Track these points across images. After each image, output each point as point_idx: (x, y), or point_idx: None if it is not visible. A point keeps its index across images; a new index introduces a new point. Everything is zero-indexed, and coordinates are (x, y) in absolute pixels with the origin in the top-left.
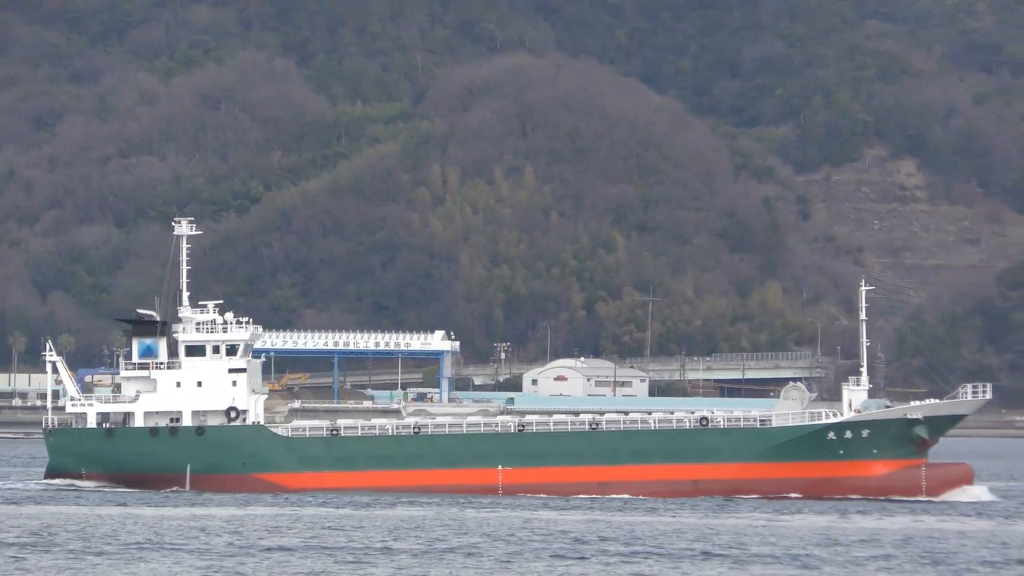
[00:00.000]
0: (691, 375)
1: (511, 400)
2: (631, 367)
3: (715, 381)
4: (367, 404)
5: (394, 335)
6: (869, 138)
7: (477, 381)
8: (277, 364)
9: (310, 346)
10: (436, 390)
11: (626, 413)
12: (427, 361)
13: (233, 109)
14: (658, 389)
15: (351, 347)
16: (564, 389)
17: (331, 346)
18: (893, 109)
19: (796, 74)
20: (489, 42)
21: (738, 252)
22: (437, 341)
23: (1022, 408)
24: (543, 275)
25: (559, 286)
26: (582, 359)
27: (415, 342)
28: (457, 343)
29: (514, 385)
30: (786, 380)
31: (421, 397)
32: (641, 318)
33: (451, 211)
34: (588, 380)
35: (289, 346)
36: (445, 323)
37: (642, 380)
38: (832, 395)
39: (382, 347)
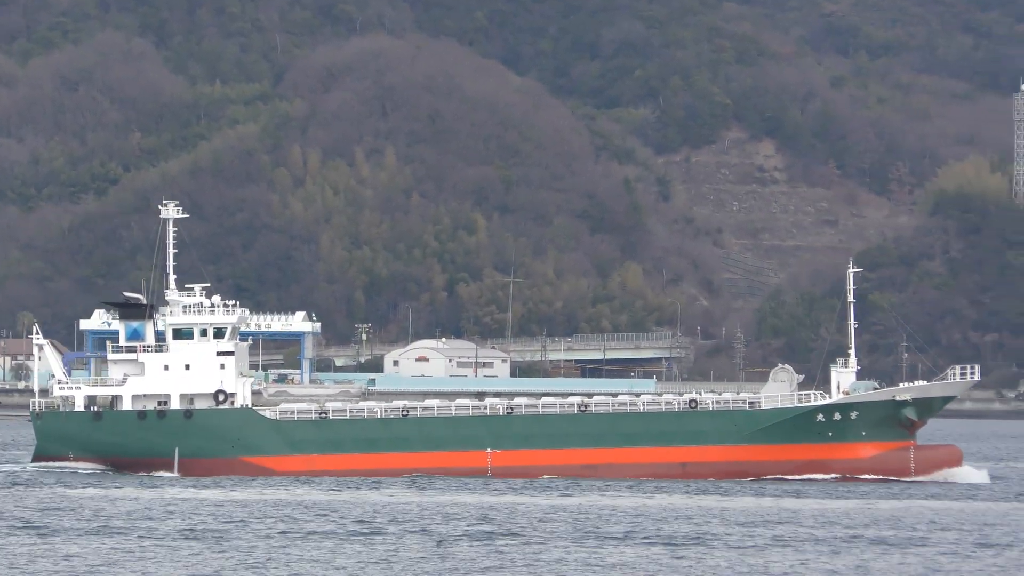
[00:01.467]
0: (552, 356)
1: (372, 381)
2: (492, 348)
3: (576, 362)
4: None
5: (255, 316)
6: (728, 120)
7: (338, 362)
8: None
9: None
10: (297, 371)
11: (492, 394)
12: (288, 343)
13: (92, 91)
14: (519, 370)
15: None
16: (426, 370)
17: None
18: (751, 91)
19: (655, 56)
20: (349, 23)
21: (599, 233)
22: (298, 322)
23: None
24: (404, 257)
25: (420, 267)
26: (443, 340)
27: (276, 323)
28: (318, 324)
29: (375, 366)
30: (646, 360)
31: (282, 379)
32: (502, 299)
33: (311, 192)
34: (450, 361)
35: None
36: (306, 304)
37: (503, 361)
38: (692, 375)
39: (243, 329)
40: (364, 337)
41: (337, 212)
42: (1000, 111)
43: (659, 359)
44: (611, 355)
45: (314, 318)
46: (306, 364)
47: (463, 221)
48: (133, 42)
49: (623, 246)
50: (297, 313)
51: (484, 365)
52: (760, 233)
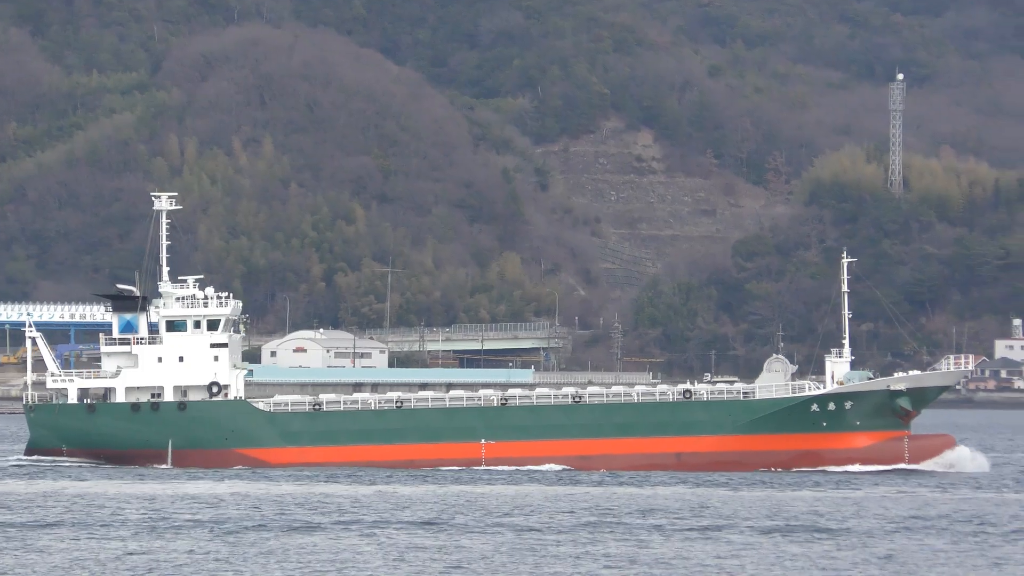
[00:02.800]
0: (431, 346)
1: (250, 372)
2: (371, 338)
3: (454, 352)
4: None
5: None
6: (606, 110)
7: None
8: (13, 336)
9: (46, 318)
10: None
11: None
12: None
13: None
14: (397, 360)
15: (88, 319)
16: (303, 360)
17: (67, 318)
18: (629, 81)
19: (533, 46)
20: (226, 12)
21: (477, 223)
22: None
23: (756, 377)
24: (282, 246)
25: (298, 257)
26: (321, 330)
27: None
28: None
29: (253, 357)
30: (524, 350)
31: None
32: (380, 289)
33: (189, 182)
34: (327, 351)
35: (24, 318)
36: None
37: (381, 351)
38: (570, 365)
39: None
40: (242, 328)
41: (214, 202)
42: (876, 101)
43: (537, 349)
44: (489, 345)
45: None
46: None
47: (341, 211)
48: (9, 31)
49: (501, 236)
50: None
51: (362, 356)
52: (638, 223)
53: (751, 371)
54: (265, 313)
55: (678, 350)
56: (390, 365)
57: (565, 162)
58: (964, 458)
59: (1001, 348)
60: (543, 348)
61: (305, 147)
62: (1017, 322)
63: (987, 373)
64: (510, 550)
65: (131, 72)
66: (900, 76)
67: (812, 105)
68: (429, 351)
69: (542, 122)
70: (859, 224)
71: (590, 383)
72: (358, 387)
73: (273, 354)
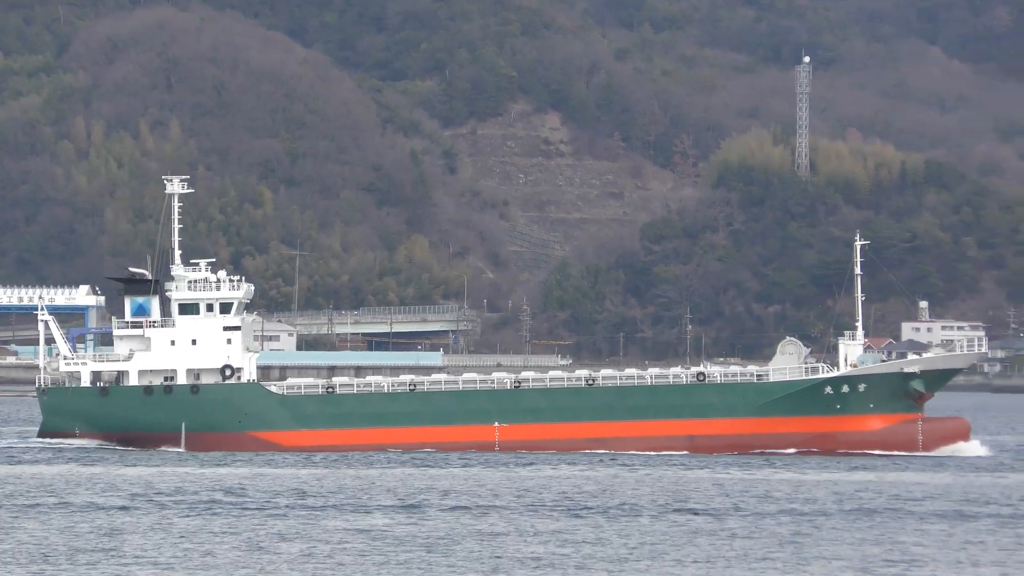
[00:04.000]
0: (339, 329)
1: None
2: (279, 321)
3: (363, 335)
4: (11, 360)
5: (38, 290)
6: (514, 93)
7: None
8: None
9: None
10: (82, 345)
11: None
12: (72, 316)
13: None
14: (305, 343)
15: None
16: None
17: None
18: (537, 64)
19: (441, 28)
20: None
21: (385, 206)
22: (82, 296)
23: (663, 359)
24: (190, 229)
25: (206, 240)
26: None
27: (60, 297)
28: (103, 298)
29: None
30: (433, 333)
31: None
32: (288, 272)
33: (96, 165)
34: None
35: None
36: (90, 278)
37: (290, 334)
38: (479, 348)
39: (25, 302)
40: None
41: (121, 185)
42: (782, 84)
43: (446, 332)
44: (398, 328)
45: (99, 292)
46: (90, 338)
47: (249, 194)
48: None
49: (410, 219)
50: (81, 287)
51: (270, 339)
52: (546, 206)
53: (658, 354)
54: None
55: (586, 333)
56: (298, 348)
57: (473, 145)
58: (974, 446)
59: (908, 331)
60: (452, 331)
61: (212, 130)
62: (923, 304)
63: (894, 356)
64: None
65: (37, 55)
66: (806, 59)
67: (719, 88)
68: (337, 334)
69: (450, 105)
70: (766, 207)
71: (499, 365)
72: (265, 370)
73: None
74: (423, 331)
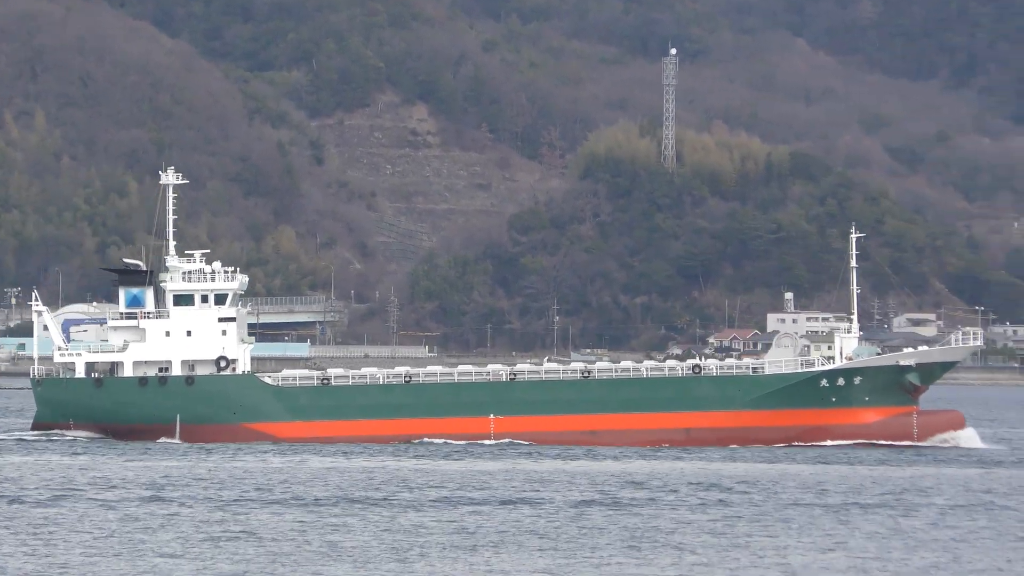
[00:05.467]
0: None
1: (22, 346)
2: None
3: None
4: None
5: None
6: (381, 84)
7: None
8: None
9: None
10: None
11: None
12: None
13: None
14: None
15: None
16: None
17: None
18: (404, 55)
19: (308, 19)
20: None
21: (252, 197)
22: None
23: (531, 351)
24: (55, 220)
25: (71, 231)
26: (95, 304)
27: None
28: None
29: (26, 330)
30: (300, 324)
31: None
32: (155, 263)
33: None
34: (101, 326)
35: None
36: None
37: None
38: (347, 339)
39: None
40: (14, 301)
41: None
42: (649, 76)
43: (313, 323)
44: (265, 319)
45: None
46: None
47: (114, 184)
48: None
49: (277, 209)
50: None
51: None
52: (413, 197)
53: (526, 345)
54: (38, 286)
55: (454, 324)
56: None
57: (340, 136)
58: (971, 437)
59: (773, 322)
60: (319, 322)
61: (78, 120)
62: (789, 296)
63: (759, 346)
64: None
65: None
66: (673, 51)
67: (586, 80)
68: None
69: (317, 96)
70: (633, 198)
71: (366, 357)
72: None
73: (46, 328)
74: (290, 322)
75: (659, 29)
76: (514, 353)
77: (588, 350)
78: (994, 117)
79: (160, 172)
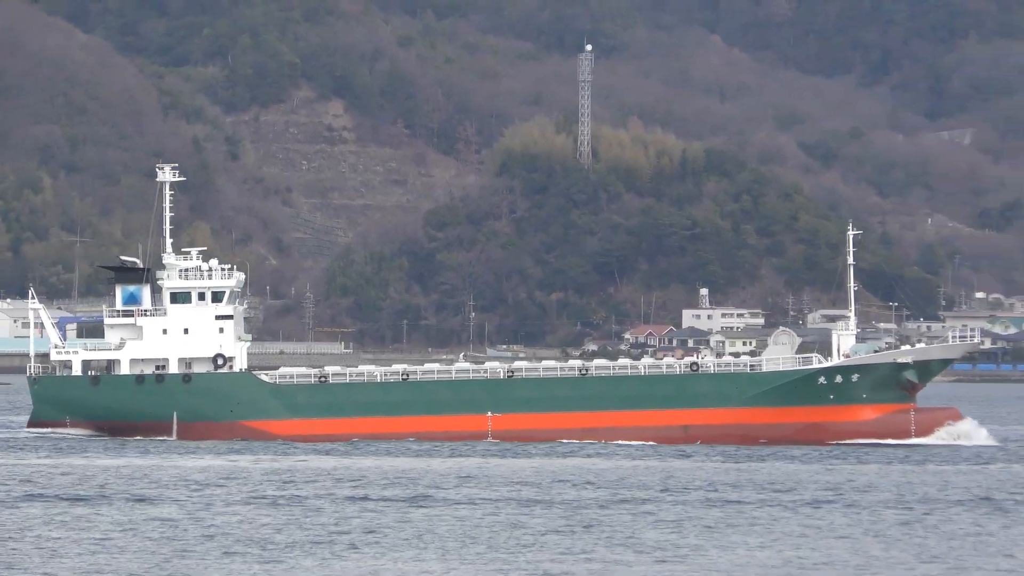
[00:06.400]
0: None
1: None
2: (59, 309)
3: (61, 319)
4: None
5: None
6: (297, 79)
7: None
8: None
9: None
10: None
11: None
12: None
13: None
14: (86, 331)
15: None
16: None
17: None
18: (320, 50)
19: (224, 14)
20: None
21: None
22: None
23: (447, 346)
24: None
25: None
26: (8, 301)
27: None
28: None
29: None
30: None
31: None
32: (69, 259)
33: None
34: (15, 322)
35: None
36: None
37: (70, 323)
38: (262, 335)
39: None
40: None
41: None
42: (565, 71)
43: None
44: None
45: None
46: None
47: (28, 180)
48: None
49: (192, 205)
50: None
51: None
52: (329, 192)
53: (441, 341)
54: None
55: (370, 320)
56: (79, 336)
57: (256, 131)
58: (971, 431)
59: (688, 317)
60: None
61: None
62: (704, 292)
63: (675, 343)
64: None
65: None
66: (588, 47)
67: (502, 75)
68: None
69: (233, 91)
70: (549, 194)
71: (281, 352)
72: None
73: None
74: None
75: (575, 25)
76: (430, 349)
77: (504, 346)
78: (907, 114)
79: (157, 169)
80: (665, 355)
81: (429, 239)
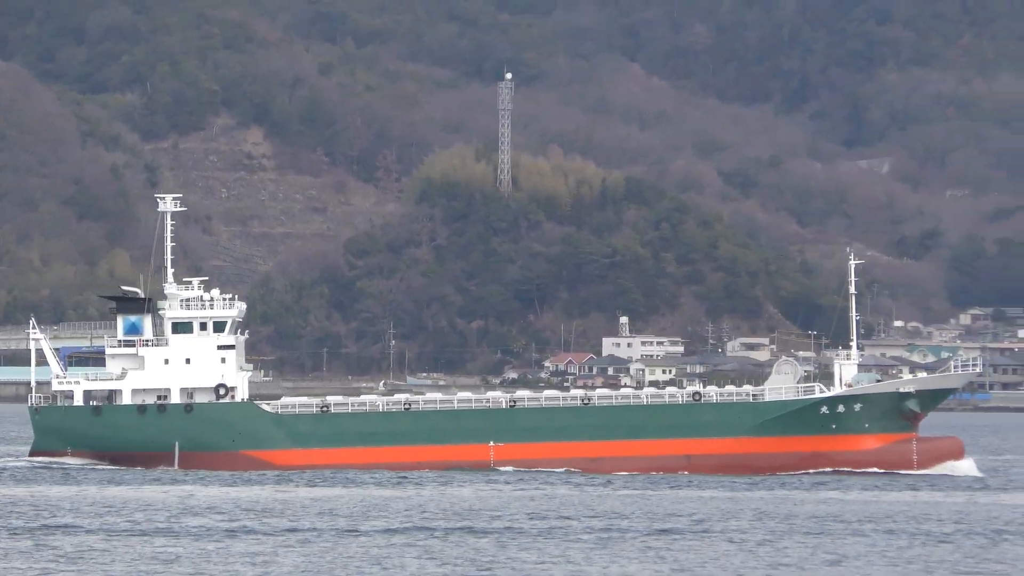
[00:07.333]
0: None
1: None
2: None
3: (62, 349)
4: None
5: None
6: (216, 107)
7: None
8: None
9: None
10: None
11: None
12: None
13: None
14: (4, 359)
15: None
16: None
17: None
18: (240, 78)
19: (143, 41)
20: None
21: (86, 220)
22: None
23: (367, 374)
24: None
25: None
26: None
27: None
28: None
29: None
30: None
31: None
32: None
33: None
34: None
35: None
36: None
37: None
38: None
39: None
40: None
41: None
42: (485, 100)
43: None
44: (98, 342)
45: None
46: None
47: None
48: None
49: (111, 233)
50: None
51: None
52: (249, 220)
53: (362, 369)
54: None
55: (290, 348)
56: None
57: (175, 159)
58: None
59: (608, 346)
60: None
61: None
62: (624, 320)
63: (595, 371)
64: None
65: None
66: (508, 75)
67: (422, 103)
68: (39, 349)
69: (152, 119)
70: (469, 222)
71: None
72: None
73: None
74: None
75: (495, 53)
76: (350, 377)
77: (424, 374)
78: (826, 142)
79: (157, 199)
80: (585, 383)
81: (349, 267)
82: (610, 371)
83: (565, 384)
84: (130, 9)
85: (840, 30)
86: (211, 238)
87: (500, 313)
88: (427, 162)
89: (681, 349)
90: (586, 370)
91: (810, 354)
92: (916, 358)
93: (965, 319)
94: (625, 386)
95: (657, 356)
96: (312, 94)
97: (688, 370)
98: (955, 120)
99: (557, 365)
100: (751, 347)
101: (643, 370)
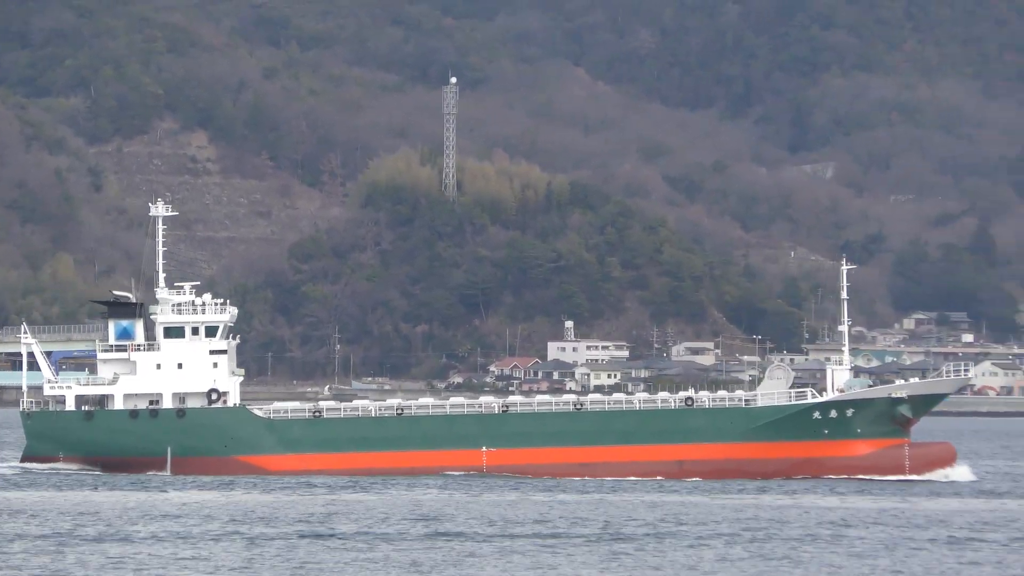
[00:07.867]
0: None
1: None
2: None
3: (6, 354)
4: None
5: None
6: (160, 110)
7: None
8: None
9: None
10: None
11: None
12: None
13: None
14: None
15: None
16: None
17: None
18: (184, 82)
19: (86, 45)
20: None
21: (29, 223)
22: None
23: (312, 379)
24: None
25: None
26: None
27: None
28: None
29: None
30: (80, 352)
31: None
32: None
33: None
34: None
35: None
36: None
37: None
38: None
39: None
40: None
41: None
42: (430, 104)
43: (92, 352)
44: (43, 347)
45: None
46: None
47: None
48: None
49: (55, 237)
50: None
51: None
52: (193, 224)
53: (307, 373)
54: None
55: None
56: None
57: (119, 163)
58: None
59: (553, 350)
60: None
61: None
62: (569, 324)
63: (540, 375)
64: None
65: None
66: (453, 79)
67: (367, 107)
68: (29, 353)
69: (95, 122)
70: (414, 226)
71: None
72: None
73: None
74: (69, 351)
75: (439, 57)
76: (295, 382)
77: (370, 378)
78: (770, 147)
79: (150, 204)
80: (530, 388)
81: (294, 271)
82: (555, 375)
83: (511, 388)
84: (74, 13)
85: (783, 35)
86: (154, 242)
87: (445, 318)
88: (372, 166)
89: (626, 354)
90: (531, 375)
91: (755, 358)
92: (860, 362)
93: (909, 324)
94: (570, 391)
95: (602, 360)
96: (256, 98)
97: (633, 375)
98: (899, 125)
99: (502, 370)
100: (696, 351)
101: (588, 374)
